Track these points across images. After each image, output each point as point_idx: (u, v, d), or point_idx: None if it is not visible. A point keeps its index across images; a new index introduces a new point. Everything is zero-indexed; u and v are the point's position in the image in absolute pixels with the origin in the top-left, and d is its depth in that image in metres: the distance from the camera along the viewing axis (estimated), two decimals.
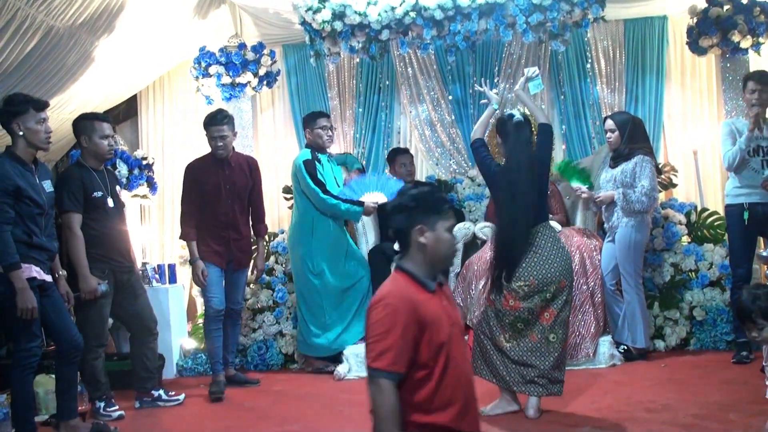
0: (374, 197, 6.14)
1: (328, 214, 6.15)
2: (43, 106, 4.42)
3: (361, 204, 6.10)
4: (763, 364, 4.10)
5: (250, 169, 5.93)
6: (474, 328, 4.76)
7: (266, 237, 6.36)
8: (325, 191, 6.08)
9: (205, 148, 5.92)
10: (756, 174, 5.54)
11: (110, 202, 5.08)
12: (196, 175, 5.73)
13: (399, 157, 6.90)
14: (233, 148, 5.86)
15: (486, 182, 5.07)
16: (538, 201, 4.55)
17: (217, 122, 5.68)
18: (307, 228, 6.19)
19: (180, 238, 5.85)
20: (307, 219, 6.20)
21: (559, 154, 7.38)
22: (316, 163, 6.17)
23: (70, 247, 4.91)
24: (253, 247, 6.13)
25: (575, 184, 6.13)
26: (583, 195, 6.04)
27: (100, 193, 5.01)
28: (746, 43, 6.59)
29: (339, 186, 6.32)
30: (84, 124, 5.06)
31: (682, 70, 7.48)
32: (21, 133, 4.31)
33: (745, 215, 5.58)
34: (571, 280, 4.57)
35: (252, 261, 6.16)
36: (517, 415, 4.50)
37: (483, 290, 5.89)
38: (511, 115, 4.64)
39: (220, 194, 5.71)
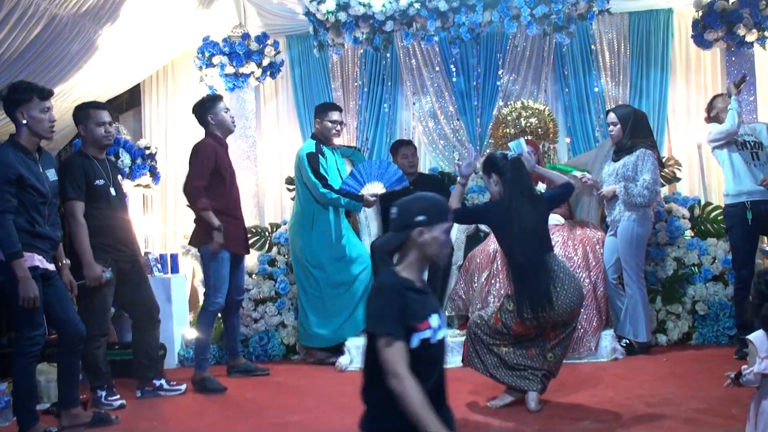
0: (373, 188, 6.12)
1: (329, 206, 6.15)
2: (47, 94, 4.40)
3: (360, 198, 6.09)
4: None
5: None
6: (469, 325, 4.74)
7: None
8: (326, 185, 6.07)
9: None
10: (748, 166, 5.57)
11: (112, 191, 5.08)
12: (216, 154, 5.58)
13: (401, 149, 6.90)
14: None
15: (485, 223, 5.04)
16: (544, 230, 4.54)
17: (222, 98, 5.81)
18: (308, 220, 6.19)
19: (200, 209, 5.48)
20: (308, 211, 6.20)
21: (563, 147, 7.37)
22: (320, 156, 6.17)
23: (73, 235, 4.90)
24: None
25: (578, 173, 6.08)
26: (589, 182, 6.02)
27: (102, 181, 5.00)
28: (751, 36, 6.57)
29: (342, 178, 6.31)
30: (81, 112, 5.08)
31: (686, 64, 7.47)
32: (25, 121, 4.29)
33: (749, 215, 5.57)
34: (581, 309, 4.62)
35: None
36: (519, 408, 4.50)
37: (485, 282, 5.89)
38: (505, 154, 4.63)
39: (232, 176, 5.73)
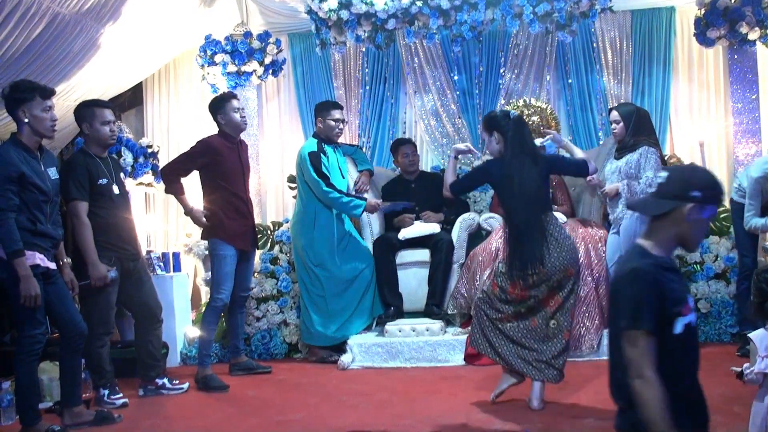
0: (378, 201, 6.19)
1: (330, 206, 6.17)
2: (49, 93, 4.40)
3: (363, 199, 6.09)
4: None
5: (247, 149, 6.04)
6: (475, 304, 4.76)
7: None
8: (329, 184, 6.07)
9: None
10: None
11: (115, 189, 5.08)
12: (215, 151, 5.63)
13: (401, 148, 6.88)
14: None
15: (487, 181, 5.01)
16: (544, 189, 4.56)
17: (235, 96, 5.80)
18: (310, 219, 6.19)
19: (168, 192, 5.79)
20: (309, 209, 6.20)
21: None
22: (322, 155, 6.16)
23: (77, 235, 4.90)
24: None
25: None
26: (593, 181, 6.00)
27: (105, 180, 5.00)
28: (754, 34, 6.56)
29: (344, 176, 6.31)
30: (85, 111, 5.05)
31: (689, 62, 7.47)
32: (26, 120, 4.29)
33: None
34: (577, 269, 4.58)
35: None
36: (521, 406, 4.50)
37: (488, 280, 5.89)
38: (506, 112, 4.63)
39: (240, 173, 5.74)
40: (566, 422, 4.20)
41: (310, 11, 6.50)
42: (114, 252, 5.05)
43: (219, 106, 5.74)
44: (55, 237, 4.44)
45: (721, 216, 6.40)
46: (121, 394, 5.12)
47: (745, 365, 3.21)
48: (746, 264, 5.63)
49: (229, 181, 5.66)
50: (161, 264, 6.69)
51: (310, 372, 5.95)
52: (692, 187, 2.31)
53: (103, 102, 5.26)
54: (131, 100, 8.07)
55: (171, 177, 5.65)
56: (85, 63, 6.28)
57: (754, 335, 3.20)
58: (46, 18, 5.34)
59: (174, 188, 5.66)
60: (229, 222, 5.64)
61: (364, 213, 6.47)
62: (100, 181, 4.97)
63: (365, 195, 6.22)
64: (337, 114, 6.29)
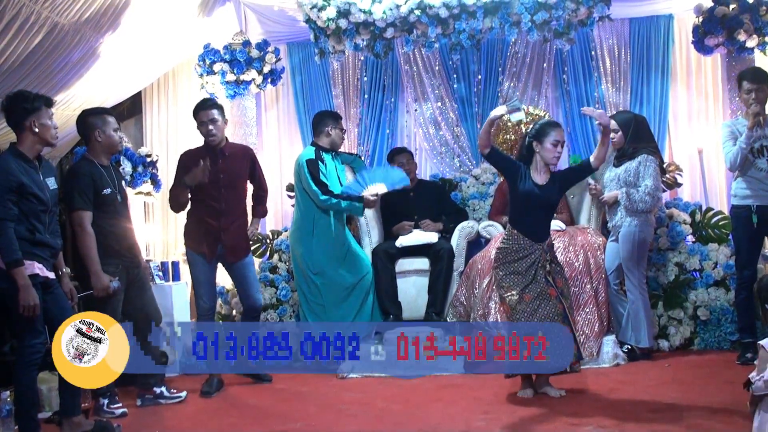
0: (375, 189, 6.08)
1: (330, 212, 6.15)
2: (51, 102, 4.43)
3: (360, 199, 6.08)
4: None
5: (246, 158, 5.82)
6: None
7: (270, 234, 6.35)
8: (326, 191, 6.05)
9: None
10: (762, 173, 5.52)
11: (119, 198, 5.09)
12: (189, 162, 5.56)
13: (397, 157, 6.88)
14: (226, 138, 5.74)
15: (510, 174, 5.00)
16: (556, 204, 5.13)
17: (206, 107, 5.55)
18: (308, 227, 6.18)
19: (174, 209, 5.76)
20: (308, 217, 6.19)
21: (563, 152, 7.34)
22: (320, 162, 6.16)
23: (81, 245, 4.88)
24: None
25: (591, 181, 6.04)
26: (593, 191, 6.01)
27: (109, 190, 4.99)
28: (752, 42, 6.57)
29: (342, 185, 6.30)
30: (94, 119, 5.01)
31: (687, 70, 7.48)
32: (36, 129, 4.29)
33: (754, 218, 5.53)
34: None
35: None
36: (520, 414, 4.49)
37: (487, 289, 5.88)
38: None
39: (216, 183, 5.54)
40: (566, 430, 4.20)
41: (308, 20, 6.51)
42: (119, 260, 5.05)
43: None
44: (54, 246, 4.44)
45: (720, 223, 6.41)
46: (120, 404, 5.11)
47: (752, 374, 3.20)
48: (745, 277, 5.57)
49: (200, 188, 5.55)
50: (160, 273, 6.69)
51: (309, 381, 5.93)
52: None
53: (110, 110, 5.28)
54: (130, 109, 8.08)
55: (172, 197, 5.68)
56: (84, 72, 6.30)
57: (766, 342, 3.19)
58: (45, 28, 5.35)
59: (177, 204, 5.67)
60: (190, 226, 5.65)
61: (363, 221, 6.48)
62: (105, 190, 4.96)
63: (363, 193, 6.12)
64: (342, 123, 6.31)
